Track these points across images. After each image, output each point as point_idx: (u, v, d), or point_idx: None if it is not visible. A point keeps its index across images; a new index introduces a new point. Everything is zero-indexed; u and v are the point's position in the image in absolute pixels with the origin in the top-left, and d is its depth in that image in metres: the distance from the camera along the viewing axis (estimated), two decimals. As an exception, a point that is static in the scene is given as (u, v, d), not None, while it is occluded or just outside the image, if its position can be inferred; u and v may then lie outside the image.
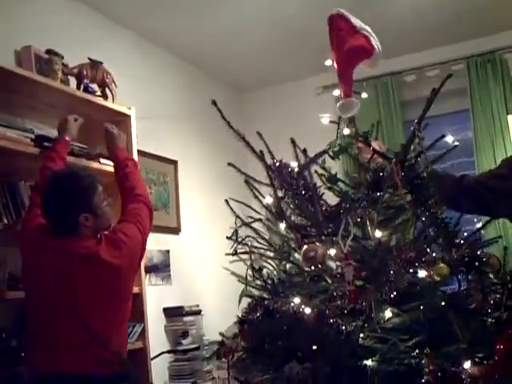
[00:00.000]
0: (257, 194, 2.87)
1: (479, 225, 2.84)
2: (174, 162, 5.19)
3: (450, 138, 2.83)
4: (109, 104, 3.88)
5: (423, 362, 2.12)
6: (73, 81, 3.73)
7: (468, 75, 5.56)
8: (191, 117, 5.12)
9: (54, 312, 2.63)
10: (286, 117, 5.89)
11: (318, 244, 2.42)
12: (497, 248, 2.95)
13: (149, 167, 4.79)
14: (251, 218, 2.97)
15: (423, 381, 2.07)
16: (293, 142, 2.82)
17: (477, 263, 2.29)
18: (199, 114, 5.14)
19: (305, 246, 2.42)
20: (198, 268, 5.25)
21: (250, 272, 2.84)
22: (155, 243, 4.71)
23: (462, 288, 2.39)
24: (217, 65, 5.71)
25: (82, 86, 3.70)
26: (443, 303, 2.27)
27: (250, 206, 2.98)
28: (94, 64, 3.78)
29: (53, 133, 3.52)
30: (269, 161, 2.80)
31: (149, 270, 4.55)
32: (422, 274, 2.27)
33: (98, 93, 3.87)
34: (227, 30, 4.98)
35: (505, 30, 5.46)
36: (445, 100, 5.83)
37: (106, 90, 3.88)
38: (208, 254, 5.24)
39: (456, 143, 2.87)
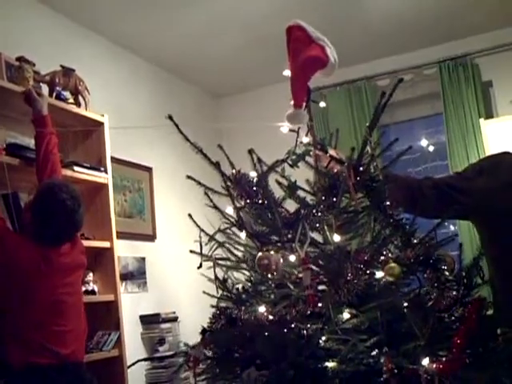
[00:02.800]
0: (217, 204, 2.90)
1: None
2: (149, 169, 5.24)
3: (423, 142, 2.89)
4: (82, 111, 3.91)
5: (382, 361, 2.16)
6: (45, 88, 3.74)
7: (440, 79, 5.64)
8: (166, 122, 5.19)
9: (61, 307, 2.99)
10: (262, 122, 5.92)
11: (271, 252, 2.45)
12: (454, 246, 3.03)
13: (123, 174, 4.83)
14: (227, 223, 2.99)
15: (382, 379, 2.11)
16: (250, 152, 2.85)
17: (432, 262, 2.35)
18: (174, 119, 5.18)
19: (258, 254, 2.46)
20: (174, 275, 5.28)
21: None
22: (131, 250, 4.75)
23: (420, 286, 2.43)
24: (191, 70, 5.76)
25: (54, 94, 3.71)
26: (401, 302, 2.32)
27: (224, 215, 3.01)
28: (67, 71, 3.80)
29: (25, 141, 3.53)
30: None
31: (124, 277, 4.59)
32: (378, 274, 2.32)
33: (71, 100, 3.89)
34: (200, 34, 5.05)
35: (476, 34, 5.57)
36: (418, 104, 5.93)
37: (79, 97, 3.89)
38: (184, 261, 5.27)
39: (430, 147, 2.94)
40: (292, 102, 2.84)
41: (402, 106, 5.66)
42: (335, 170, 2.69)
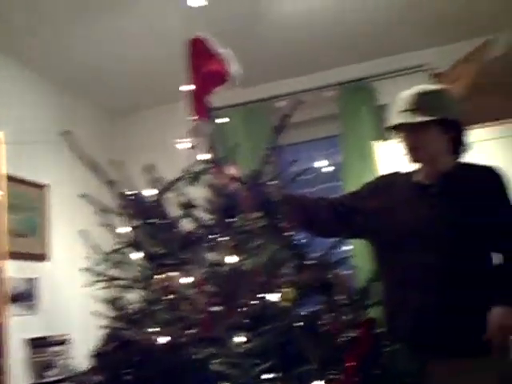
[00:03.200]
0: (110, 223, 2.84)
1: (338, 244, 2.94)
2: (45, 187, 5.09)
3: (320, 163, 2.90)
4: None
5: (275, 385, 2.15)
6: None
7: (339, 101, 5.72)
8: (63, 140, 5.08)
9: None
10: (158, 141, 5.87)
11: (170, 273, 2.42)
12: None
13: (18, 192, 4.67)
14: (122, 243, 2.93)
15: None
16: (147, 169, 2.81)
17: (326, 284, 2.36)
18: (72, 136, 5.07)
19: (156, 276, 2.42)
20: (68, 296, 5.13)
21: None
22: (20, 271, 4.59)
23: (314, 309, 2.44)
24: (88, 87, 5.66)
25: None
26: (295, 325, 2.31)
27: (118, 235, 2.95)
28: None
29: None
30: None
31: (14, 299, 4.42)
32: (272, 297, 2.31)
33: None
34: (98, 51, 4.94)
35: (374, 58, 5.67)
36: (316, 125, 5.99)
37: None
38: (78, 281, 5.12)
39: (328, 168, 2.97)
40: (193, 117, 2.82)
41: (300, 127, 5.70)
42: (233, 189, 2.68)
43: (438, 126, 2.83)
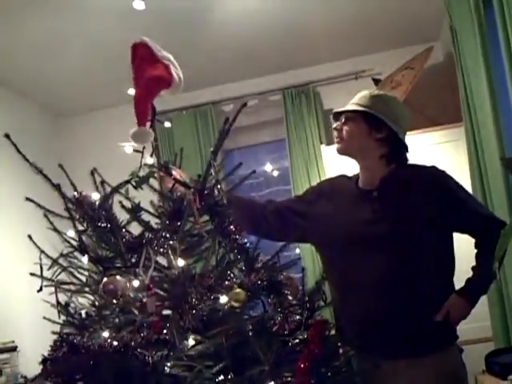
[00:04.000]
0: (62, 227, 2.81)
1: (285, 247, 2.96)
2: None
3: (268, 167, 2.92)
4: None
5: (227, 387, 2.15)
6: None
7: (284, 106, 5.78)
8: (4, 142, 5.00)
9: None
10: (104, 144, 5.82)
11: (117, 277, 2.40)
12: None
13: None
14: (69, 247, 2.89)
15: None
16: (92, 173, 2.78)
17: (275, 286, 2.37)
18: (13, 138, 4.99)
19: (104, 279, 2.40)
20: (14, 301, 5.05)
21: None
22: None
23: (264, 311, 2.45)
24: (32, 87, 5.58)
25: None
26: (246, 327, 2.32)
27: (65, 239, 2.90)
28: None
29: None
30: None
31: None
32: (222, 299, 2.31)
33: None
34: (42, 50, 4.88)
35: (318, 63, 5.75)
36: (263, 129, 6.04)
37: None
38: (24, 286, 5.05)
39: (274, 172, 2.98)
40: (136, 121, 2.80)
41: (246, 130, 5.74)
42: (179, 193, 2.67)
43: (364, 121, 2.87)
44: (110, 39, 4.80)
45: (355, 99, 2.94)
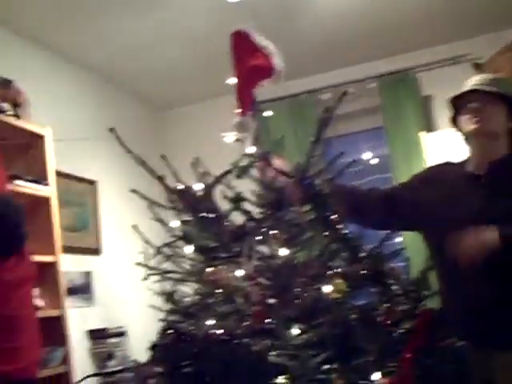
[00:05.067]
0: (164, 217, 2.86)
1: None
2: (94, 183, 5.15)
3: (366, 155, 2.88)
4: (22, 124, 3.80)
5: (333, 376, 2.14)
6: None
7: (381, 93, 5.69)
8: (109, 136, 5.17)
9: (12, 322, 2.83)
10: (202, 136, 5.90)
11: (219, 267, 2.43)
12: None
13: (67, 188, 4.73)
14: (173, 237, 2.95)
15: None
16: (195, 164, 2.81)
17: (380, 275, 2.35)
18: (117, 132, 5.13)
19: (206, 270, 2.43)
20: (121, 288, 5.20)
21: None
22: (75, 265, 4.67)
23: (369, 301, 2.43)
24: (133, 81, 5.70)
25: (-8, 106, 3.61)
26: (350, 317, 2.30)
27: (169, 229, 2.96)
28: (5, 83, 3.69)
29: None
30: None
31: (70, 292, 4.48)
32: (326, 289, 2.30)
33: (10, 112, 3.77)
34: (143, 46, 4.98)
35: (415, 49, 5.64)
36: (360, 117, 5.97)
37: (19, 109, 3.79)
38: (131, 275, 5.20)
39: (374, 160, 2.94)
40: (237, 111, 2.82)
41: (343, 119, 5.68)
42: (280, 182, 2.67)
43: (503, 106, 2.77)
44: (205, 33, 4.83)
45: (484, 81, 2.82)
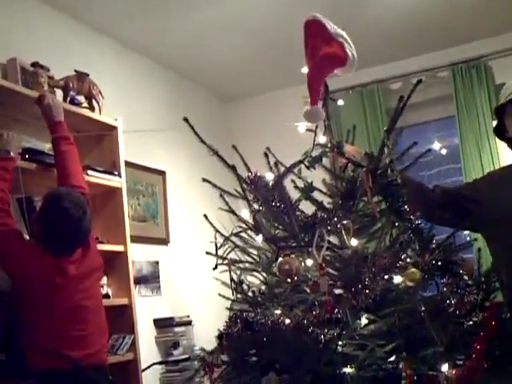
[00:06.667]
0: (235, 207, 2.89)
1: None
2: (163, 173, 5.21)
3: (436, 145, 2.85)
4: (95, 116, 3.89)
5: (400, 366, 2.14)
6: (59, 93, 3.73)
7: (453, 82, 5.59)
8: (179, 126, 5.26)
9: (81, 312, 3.02)
10: (271, 126, 5.90)
11: (292, 257, 2.44)
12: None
13: (137, 178, 4.80)
14: (241, 227, 2.97)
15: (401, 386, 2.09)
16: (266, 154, 2.83)
17: (451, 267, 2.33)
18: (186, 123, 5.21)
19: (279, 259, 2.44)
20: (188, 278, 5.26)
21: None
22: (144, 254, 4.74)
23: (439, 292, 2.41)
24: (202, 72, 5.72)
25: (68, 99, 3.70)
26: (419, 308, 2.29)
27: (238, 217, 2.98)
28: (80, 76, 3.78)
29: (39, 145, 3.54)
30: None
31: (138, 281, 4.56)
32: (396, 279, 2.30)
33: (85, 104, 3.87)
34: (211, 36, 5.00)
35: (489, 36, 5.51)
36: (430, 107, 5.87)
37: (93, 101, 3.88)
38: (197, 264, 5.25)
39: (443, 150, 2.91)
40: (309, 100, 2.81)
41: (414, 108, 5.62)
42: (353, 172, 2.66)
43: None
44: (271, 22, 4.84)
45: None
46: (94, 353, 3.07)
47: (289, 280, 2.46)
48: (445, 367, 2.13)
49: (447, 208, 2.89)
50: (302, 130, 2.88)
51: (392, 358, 2.18)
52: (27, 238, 3.24)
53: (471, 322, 2.27)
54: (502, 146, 5.05)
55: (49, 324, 2.96)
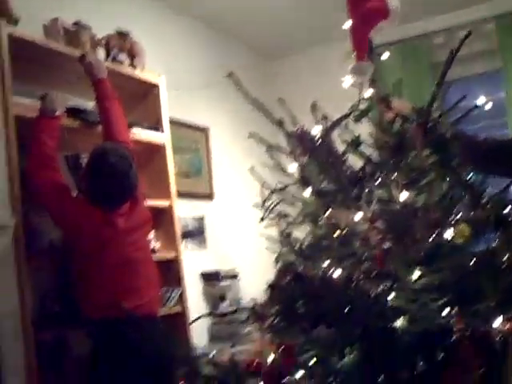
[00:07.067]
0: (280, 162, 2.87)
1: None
2: (206, 129, 5.23)
3: (481, 99, 2.79)
4: (138, 73, 3.90)
5: (452, 321, 2.13)
6: (101, 52, 3.75)
7: (498, 35, 5.47)
8: (220, 83, 5.28)
9: (131, 264, 3.11)
10: (316, 82, 5.85)
11: (340, 210, 2.43)
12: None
13: (180, 135, 4.82)
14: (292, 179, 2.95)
15: (452, 340, 2.08)
16: (313, 107, 2.80)
17: (503, 221, 2.30)
18: (228, 80, 5.17)
19: (327, 213, 2.43)
20: (233, 233, 5.32)
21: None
22: (189, 210, 4.79)
23: (490, 247, 2.38)
24: (242, 30, 5.69)
25: (110, 57, 3.71)
26: (471, 262, 2.27)
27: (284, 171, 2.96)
28: (122, 34, 3.80)
29: (83, 103, 3.57)
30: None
31: (184, 235, 4.62)
32: (447, 234, 2.28)
33: (127, 63, 3.87)
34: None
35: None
36: (475, 61, 5.76)
37: (135, 59, 3.89)
38: (242, 219, 5.30)
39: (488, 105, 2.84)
40: (353, 55, 2.78)
41: (458, 63, 5.51)
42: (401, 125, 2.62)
43: None
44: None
45: None
46: (145, 303, 3.12)
47: (336, 233, 2.45)
48: (497, 322, 2.12)
49: (501, 157, 2.83)
50: (347, 86, 2.85)
51: (444, 313, 2.16)
52: (76, 193, 3.28)
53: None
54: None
55: (100, 276, 3.02)
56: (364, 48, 2.78)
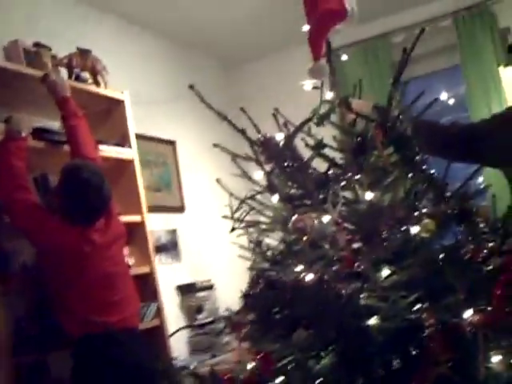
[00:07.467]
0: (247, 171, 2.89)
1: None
2: (172, 143, 5.25)
3: (444, 95, 2.83)
4: (102, 91, 3.92)
5: (424, 316, 2.16)
6: (64, 71, 3.76)
7: (456, 30, 5.54)
8: (184, 96, 5.26)
9: (109, 279, 3.16)
10: (277, 88, 5.89)
11: (305, 214, 2.45)
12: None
13: (148, 149, 4.85)
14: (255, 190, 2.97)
15: (425, 335, 2.11)
16: (274, 114, 2.82)
17: (466, 214, 2.34)
18: (192, 92, 5.17)
19: (293, 217, 2.46)
20: (206, 244, 5.35)
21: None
22: (161, 223, 4.81)
23: (456, 240, 2.42)
24: (202, 41, 5.73)
25: (73, 76, 3.73)
26: (438, 257, 2.31)
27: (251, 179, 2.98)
28: (83, 52, 3.83)
29: (49, 124, 3.59)
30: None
31: (158, 249, 4.64)
32: (413, 230, 2.31)
33: (90, 81, 3.89)
34: (209, 2, 4.98)
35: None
36: (434, 57, 5.84)
37: (98, 77, 3.91)
38: (214, 230, 5.32)
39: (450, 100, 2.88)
40: (311, 57, 2.80)
41: (418, 60, 5.57)
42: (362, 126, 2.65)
43: None
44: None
45: None
46: (126, 317, 3.14)
47: (304, 237, 2.47)
48: (467, 314, 2.15)
49: (464, 143, 2.88)
50: (308, 88, 2.87)
51: (415, 308, 2.19)
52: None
53: (491, 267, 2.28)
54: (508, 90, 5.02)
55: (80, 293, 3.04)
56: (320, 48, 2.80)
